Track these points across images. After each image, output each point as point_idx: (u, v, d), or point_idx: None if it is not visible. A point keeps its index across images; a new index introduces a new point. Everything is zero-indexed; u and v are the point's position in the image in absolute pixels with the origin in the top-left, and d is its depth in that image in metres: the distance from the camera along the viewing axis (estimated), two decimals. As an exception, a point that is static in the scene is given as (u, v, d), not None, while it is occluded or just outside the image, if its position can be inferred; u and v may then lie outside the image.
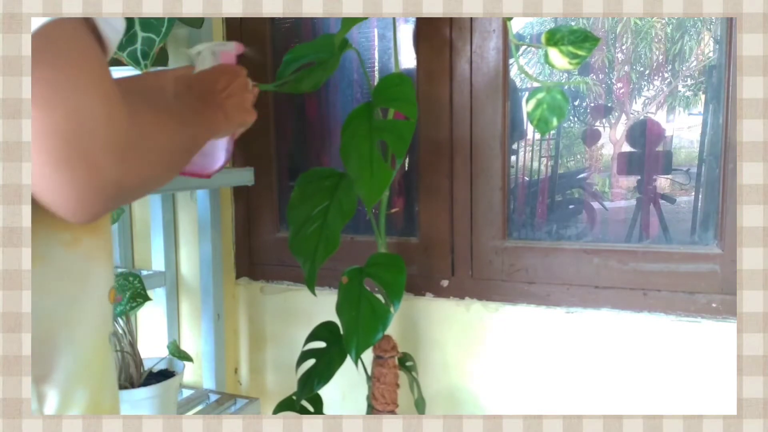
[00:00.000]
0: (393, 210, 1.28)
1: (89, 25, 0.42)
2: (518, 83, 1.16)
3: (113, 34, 0.44)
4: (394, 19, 1.02)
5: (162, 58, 1.06)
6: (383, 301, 0.98)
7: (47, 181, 0.37)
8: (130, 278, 1.07)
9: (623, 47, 1.09)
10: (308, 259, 1.00)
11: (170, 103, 0.64)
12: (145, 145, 0.45)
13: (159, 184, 0.52)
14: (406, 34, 1.24)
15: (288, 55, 1.04)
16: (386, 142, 0.91)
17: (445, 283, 1.20)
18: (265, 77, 1.34)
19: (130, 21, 0.93)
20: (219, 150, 0.78)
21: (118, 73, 0.99)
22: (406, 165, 1.30)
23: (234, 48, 0.78)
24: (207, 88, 0.70)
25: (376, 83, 1.02)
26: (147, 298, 1.07)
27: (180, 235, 1.38)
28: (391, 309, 0.95)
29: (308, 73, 0.99)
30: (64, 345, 0.47)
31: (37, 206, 0.45)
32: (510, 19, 0.93)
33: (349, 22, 0.88)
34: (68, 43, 0.38)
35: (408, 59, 1.23)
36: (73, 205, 0.39)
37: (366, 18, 0.89)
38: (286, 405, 1.09)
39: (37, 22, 0.38)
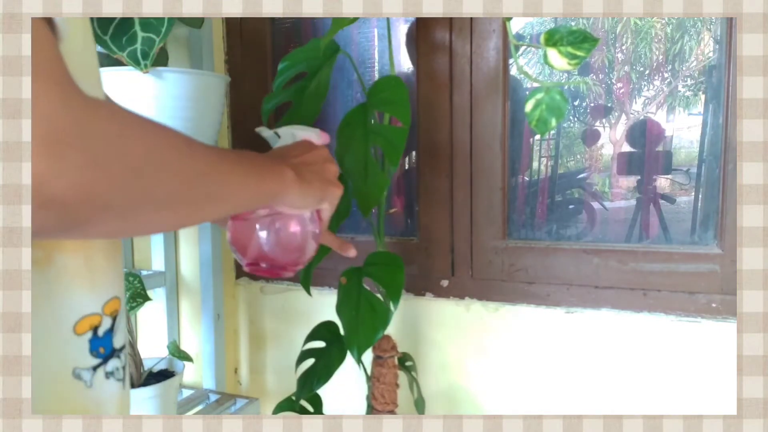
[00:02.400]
0: (392, 210, 1.28)
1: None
2: (522, 82, 1.16)
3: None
4: (388, 19, 1.02)
5: (162, 58, 1.06)
6: (383, 299, 0.98)
7: None
8: (130, 278, 1.07)
9: (623, 47, 1.09)
10: None
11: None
12: (104, 148, 0.33)
13: (146, 219, 0.38)
14: (403, 34, 1.24)
15: (282, 63, 1.04)
16: (380, 148, 0.91)
17: (445, 283, 1.20)
18: (265, 78, 1.34)
19: (130, 21, 0.93)
20: (307, 243, 0.60)
21: (118, 73, 1.00)
22: (406, 165, 1.30)
23: (318, 136, 0.66)
24: (279, 154, 0.58)
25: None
26: (147, 298, 1.07)
27: (180, 235, 1.38)
28: (391, 307, 0.95)
29: (302, 101, 0.98)
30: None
31: None
32: (510, 19, 0.93)
33: (337, 25, 0.87)
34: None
35: (406, 60, 1.23)
36: None
37: (356, 20, 0.88)
38: (286, 405, 1.09)
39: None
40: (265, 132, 0.68)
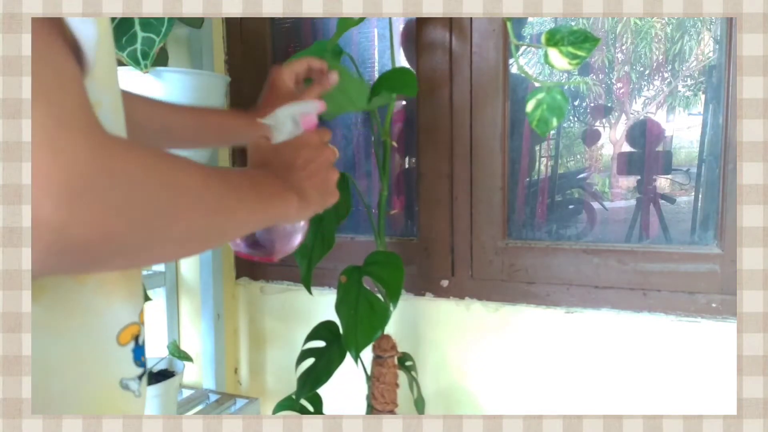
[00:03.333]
0: (393, 211, 1.28)
1: (62, 30, 0.35)
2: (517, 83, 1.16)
3: (88, 41, 0.38)
4: (390, 19, 1.02)
5: (162, 58, 1.06)
6: (382, 299, 0.98)
7: None
8: (130, 278, 1.07)
9: (623, 47, 1.09)
10: (304, 258, 1.01)
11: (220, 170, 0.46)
12: (127, 194, 0.33)
13: (154, 255, 0.40)
14: (404, 34, 1.24)
15: None
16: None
17: (445, 283, 1.20)
18: (265, 78, 1.34)
19: (130, 21, 0.93)
20: (296, 232, 0.66)
21: (118, 73, 0.99)
22: (406, 164, 1.30)
23: (315, 107, 0.70)
24: (286, 163, 0.59)
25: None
26: (147, 298, 1.07)
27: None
28: (390, 307, 0.95)
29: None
30: (60, 395, 0.42)
31: None
32: (510, 19, 0.93)
33: (342, 27, 0.88)
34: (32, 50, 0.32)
35: (406, 60, 1.23)
36: None
37: (361, 20, 0.89)
38: (286, 405, 1.09)
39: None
40: (265, 121, 0.69)
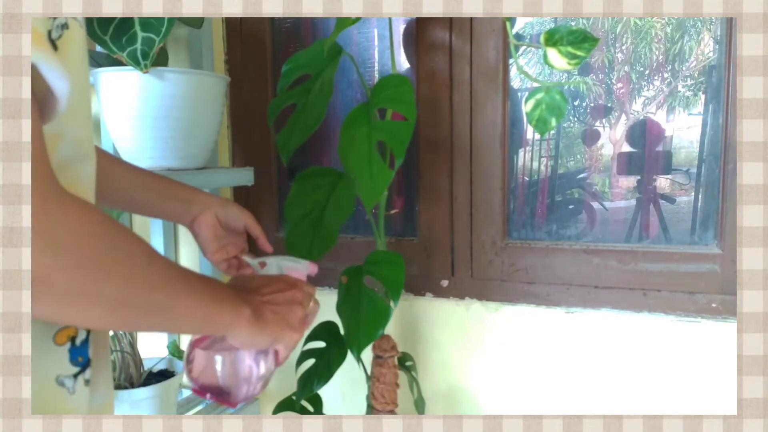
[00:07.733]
0: (393, 211, 1.28)
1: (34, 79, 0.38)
2: (517, 84, 1.16)
3: (58, 81, 0.40)
4: (390, 19, 1.02)
5: (162, 58, 1.06)
6: (383, 298, 0.98)
7: None
8: (130, 278, 1.07)
9: (623, 47, 1.09)
10: (304, 257, 1.00)
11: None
12: (54, 235, 0.37)
13: (84, 309, 0.40)
14: (404, 34, 1.24)
15: (286, 65, 1.05)
16: (385, 143, 0.92)
17: (445, 283, 1.20)
18: (265, 78, 1.34)
19: (130, 21, 0.93)
20: (252, 378, 0.62)
21: (118, 73, 1.00)
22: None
23: (306, 268, 0.68)
24: (252, 287, 0.59)
25: (375, 83, 1.02)
26: (147, 298, 1.07)
27: (180, 235, 1.38)
28: (391, 305, 0.95)
29: (306, 104, 1.01)
30: None
31: None
32: (510, 19, 0.93)
33: (340, 26, 0.88)
34: None
35: (406, 59, 1.23)
36: None
37: (358, 20, 0.89)
38: (286, 405, 1.09)
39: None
40: (250, 261, 0.68)
